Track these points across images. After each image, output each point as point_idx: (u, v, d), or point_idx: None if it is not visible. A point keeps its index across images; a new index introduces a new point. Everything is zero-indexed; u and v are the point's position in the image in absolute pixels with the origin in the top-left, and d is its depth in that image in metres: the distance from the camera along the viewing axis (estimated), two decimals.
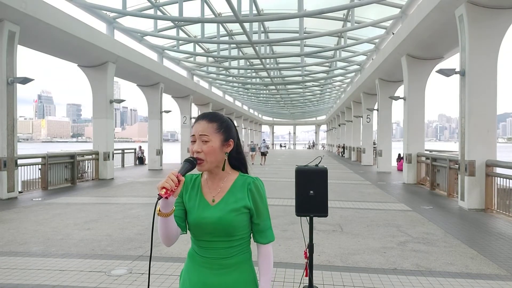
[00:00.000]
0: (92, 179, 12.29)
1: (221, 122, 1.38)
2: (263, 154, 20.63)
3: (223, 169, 1.39)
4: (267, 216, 1.42)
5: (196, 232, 1.36)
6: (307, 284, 3.09)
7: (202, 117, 1.39)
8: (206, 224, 1.33)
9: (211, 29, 15.67)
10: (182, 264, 3.94)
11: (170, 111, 17.88)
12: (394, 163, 16.77)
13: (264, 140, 25.32)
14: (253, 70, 22.52)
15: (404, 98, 12.02)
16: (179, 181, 1.21)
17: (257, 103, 40.32)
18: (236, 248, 1.35)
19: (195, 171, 1.34)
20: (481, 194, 7.19)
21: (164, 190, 1.17)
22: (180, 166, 1.29)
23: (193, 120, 22.59)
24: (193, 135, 1.36)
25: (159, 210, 1.23)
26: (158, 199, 1.18)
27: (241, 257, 1.37)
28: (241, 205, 1.35)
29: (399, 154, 16.21)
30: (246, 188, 1.37)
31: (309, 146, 61.79)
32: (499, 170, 7.06)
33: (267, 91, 30.16)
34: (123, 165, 18.44)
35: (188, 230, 1.40)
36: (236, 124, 1.54)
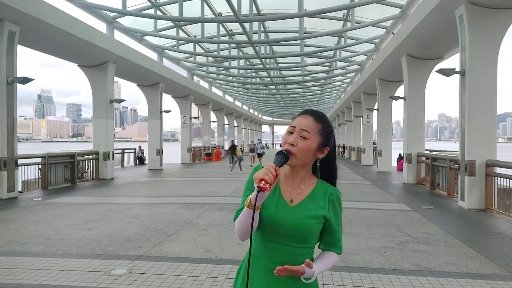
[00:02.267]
0: (92, 179, 12.29)
1: (326, 126, 1.33)
2: (260, 155, 19.56)
3: (314, 173, 1.36)
4: (341, 227, 1.37)
5: (267, 230, 1.28)
6: None
7: (310, 113, 1.35)
8: (283, 225, 1.26)
9: (211, 29, 15.66)
10: (182, 264, 3.95)
11: (170, 111, 17.89)
12: (394, 163, 16.77)
13: (259, 140, 24.57)
14: (253, 70, 22.51)
15: (404, 98, 12.01)
16: (276, 174, 1.16)
17: (257, 103, 40.32)
18: (303, 257, 1.28)
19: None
20: (481, 194, 7.18)
21: (263, 182, 1.12)
22: (275, 158, 1.25)
23: (193, 120, 22.63)
24: (294, 126, 1.31)
25: (250, 202, 1.18)
26: (258, 191, 1.13)
27: None
28: (322, 214, 1.29)
29: (400, 154, 16.21)
30: (328, 198, 1.32)
31: None
32: (499, 170, 7.06)
33: (267, 91, 30.15)
34: (123, 165, 18.45)
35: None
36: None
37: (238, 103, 38.04)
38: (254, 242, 1.33)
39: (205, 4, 13.03)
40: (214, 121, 29.07)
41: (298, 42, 16.82)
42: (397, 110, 13.84)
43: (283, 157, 1.24)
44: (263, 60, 18.32)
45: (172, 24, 15.01)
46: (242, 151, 17.71)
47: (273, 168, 1.15)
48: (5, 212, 6.86)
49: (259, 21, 14.21)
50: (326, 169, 1.38)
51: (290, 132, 1.31)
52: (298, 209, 1.29)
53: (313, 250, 1.35)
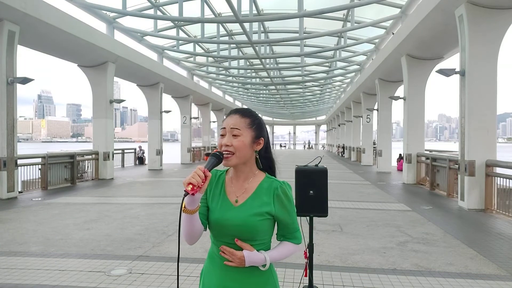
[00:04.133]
0: (92, 179, 12.28)
1: (254, 119, 1.37)
2: None
3: (258, 167, 1.38)
4: (295, 218, 1.38)
5: (216, 232, 1.33)
6: (307, 284, 3.09)
7: (235, 111, 1.37)
8: (228, 226, 1.29)
9: (211, 29, 15.66)
10: (182, 264, 3.94)
11: (170, 111, 17.88)
12: (394, 163, 16.76)
13: None
14: (253, 70, 22.51)
15: (404, 98, 12.01)
16: (206, 176, 1.18)
17: (257, 103, 40.28)
18: None
19: (221, 166, 1.32)
20: (481, 194, 7.18)
21: (191, 186, 1.14)
22: (207, 161, 1.26)
23: (193, 120, 22.62)
24: (224, 128, 1.34)
25: (185, 207, 1.20)
26: (185, 195, 1.16)
27: None
28: (265, 210, 1.30)
29: (400, 154, 16.20)
30: (273, 193, 1.32)
31: (304, 146, 61.12)
32: (499, 170, 7.06)
33: (267, 91, 30.14)
34: (123, 165, 18.44)
35: (208, 229, 1.36)
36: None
37: (238, 103, 38.02)
38: (211, 242, 1.38)
39: (205, 4, 13.02)
40: (214, 121, 29.07)
41: (298, 42, 16.81)
42: (397, 110, 13.88)
43: (216, 159, 1.27)
44: (263, 60, 18.31)
45: (172, 24, 15.00)
46: None
47: (201, 171, 1.17)
48: (5, 212, 6.85)
49: (259, 21, 14.20)
50: (266, 159, 1.41)
51: (222, 135, 1.34)
52: (242, 208, 1.31)
53: (269, 244, 1.35)
